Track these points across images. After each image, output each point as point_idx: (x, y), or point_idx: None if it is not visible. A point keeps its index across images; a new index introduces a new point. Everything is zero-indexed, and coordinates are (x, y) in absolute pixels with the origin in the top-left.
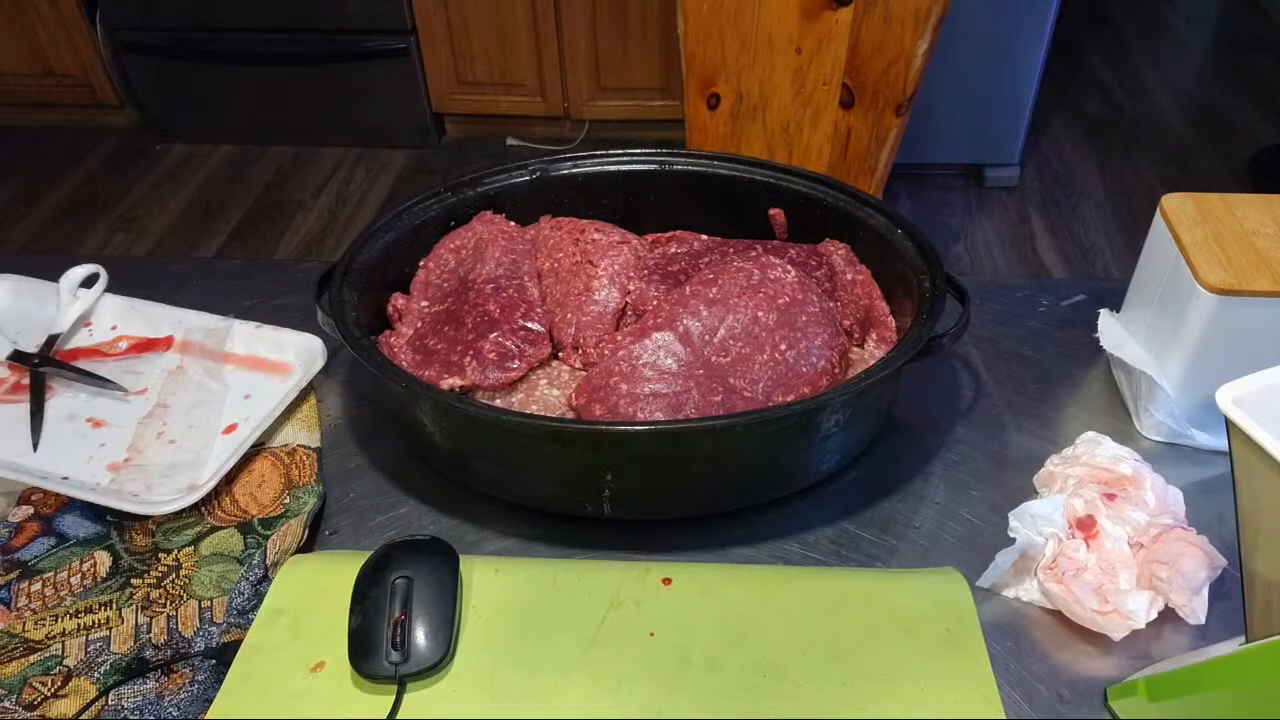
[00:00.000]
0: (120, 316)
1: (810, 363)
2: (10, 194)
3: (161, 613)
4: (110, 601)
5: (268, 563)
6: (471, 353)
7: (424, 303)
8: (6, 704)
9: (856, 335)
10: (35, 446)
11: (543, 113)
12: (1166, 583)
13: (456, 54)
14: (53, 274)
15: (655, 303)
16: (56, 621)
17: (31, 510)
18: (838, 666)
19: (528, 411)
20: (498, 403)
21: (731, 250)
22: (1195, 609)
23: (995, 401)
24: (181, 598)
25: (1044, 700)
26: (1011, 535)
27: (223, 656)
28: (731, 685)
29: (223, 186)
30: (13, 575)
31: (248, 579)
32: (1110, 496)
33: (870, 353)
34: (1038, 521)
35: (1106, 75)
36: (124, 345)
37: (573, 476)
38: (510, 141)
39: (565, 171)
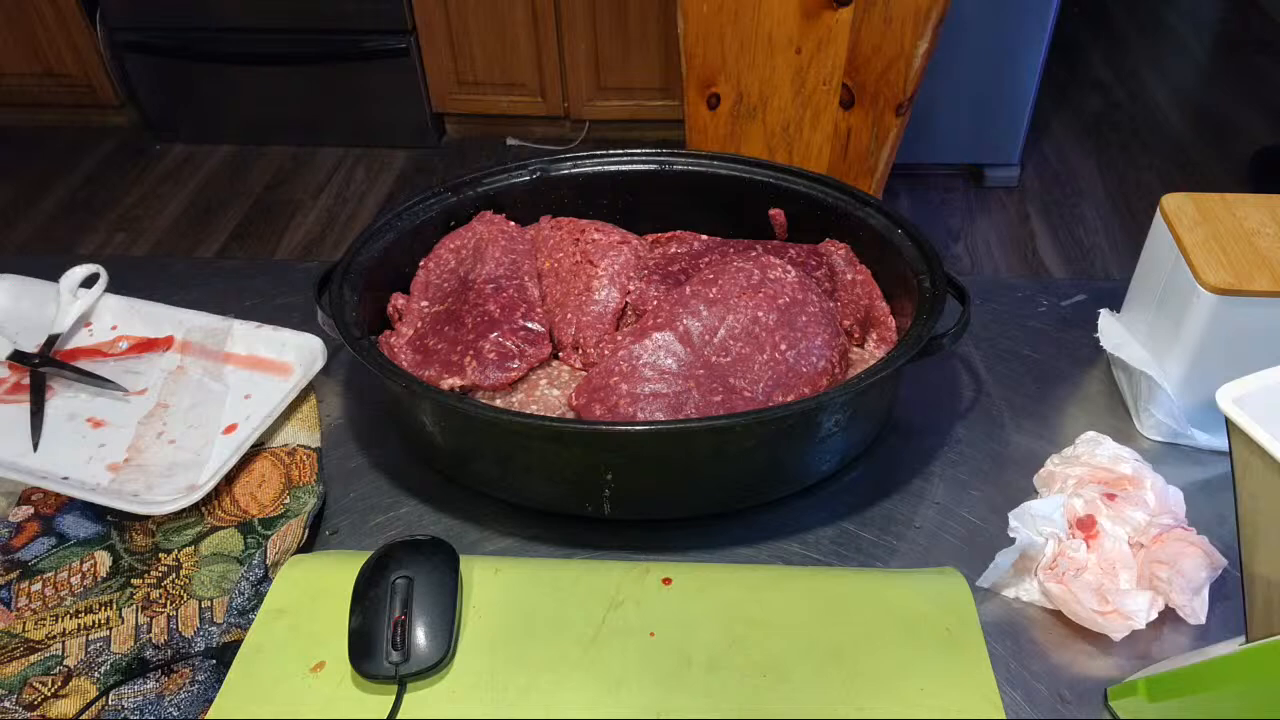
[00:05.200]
0: (120, 316)
1: (810, 363)
2: (10, 194)
3: (162, 613)
4: (110, 601)
5: (268, 563)
6: (471, 353)
7: (424, 303)
8: (6, 704)
9: (856, 335)
10: (35, 446)
11: (543, 113)
12: (1167, 583)
13: (456, 54)
14: (53, 274)
15: (655, 303)
16: (56, 621)
17: (31, 510)
18: (838, 666)
19: (528, 411)
20: (498, 403)
21: (731, 250)
22: (1195, 609)
23: (995, 401)
24: (182, 598)
25: (1044, 700)
26: (1011, 535)
27: (223, 656)
28: (731, 685)
29: (223, 186)
30: (13, 575)
31: (248, 579)
32: (1110, 496)
33: (870, 353)
34: (1038, 521)
35: (1106, 75)
36: (124, 345)
37: (573, 476)
38: (510, 141)
39: (565, 171)
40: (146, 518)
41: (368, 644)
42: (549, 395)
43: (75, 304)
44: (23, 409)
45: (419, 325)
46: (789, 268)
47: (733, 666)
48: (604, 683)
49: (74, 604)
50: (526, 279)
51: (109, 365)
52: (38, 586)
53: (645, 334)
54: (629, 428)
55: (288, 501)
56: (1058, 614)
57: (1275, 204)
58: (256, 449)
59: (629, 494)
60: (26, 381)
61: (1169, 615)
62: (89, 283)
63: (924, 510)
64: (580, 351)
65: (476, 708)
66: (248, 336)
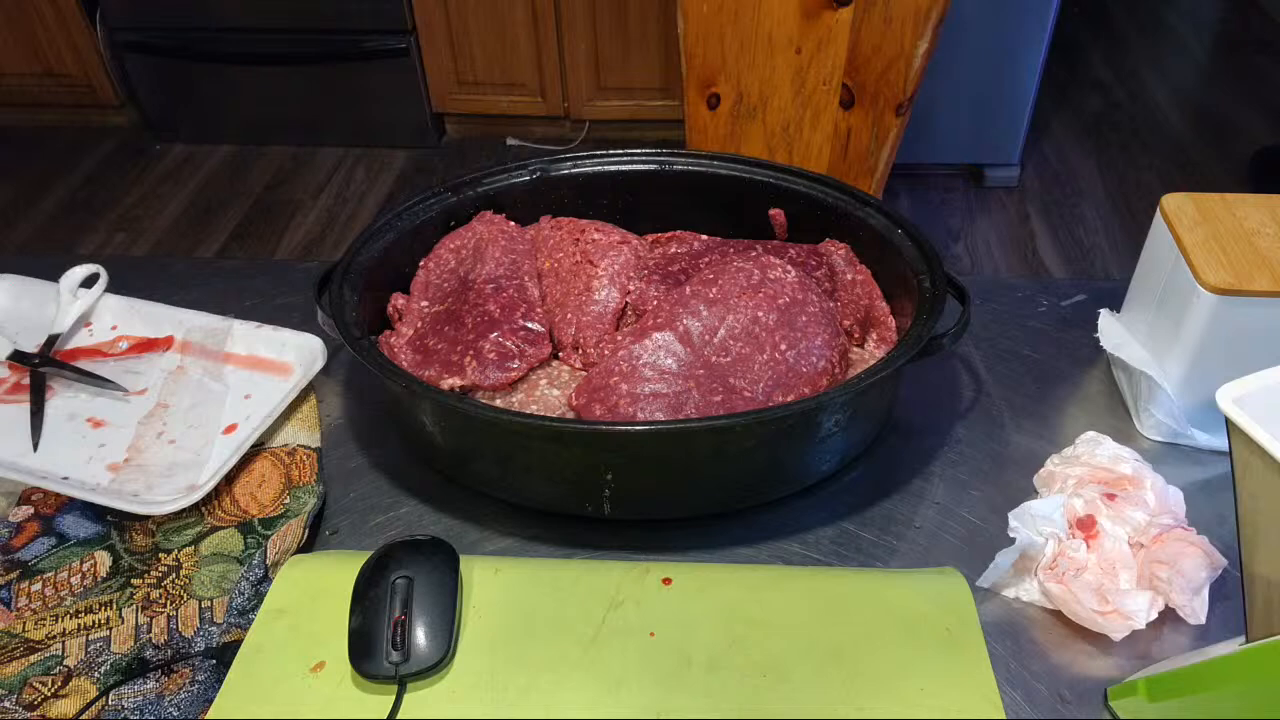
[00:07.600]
0: (120, 316)
1: (810, 363)
2: (10, 194)
3: (162, 613)
4: (110, 601)
5: (268, 563)
6: (471, 353)
7: (424, 303)
8: (6, 704)
9: (856, 335)
10: (35, 446)
11: (543, 113)
12: (1167, 583)
13: (456, 54)
14: (53, 274)
15: (655, 303)
16: (56, 621)
17: (31, 510)
18: (838, 666)
19: (528, 411)
20: (498, 403)
21: (731, 250)
22: (1195, 609)
23: (995, 401)
24: (182, 598)
25: (1044, 700)
26: (1011, 535)
27: (223, 656)
28: (731, 685)
29: (223, 186)
30: (13, 575)
31: (248, 579)
32: (1110, 496)
33: (870, 353)
34: (1038, 521)
35: (1106, 75)
36: (124, 345)
37: (573, 476)
38: (510, 141)
39: (565, 171)
40: (146, 518)
41: (368, 644)
42: (549, 395)
43: (75, 304)
44: (23, 409)
45: (419, 325)
46: (789, 268)
47: (733, 666)
48: (604, 683)
49: (74, 604)
50: (526, 279)
51: (109, 365)
52: (38, 586)
53: (645, 334)
54: (629, 428)
55: (288, 501)
56: (1058, 614)
57: (1275, 204)
58: (256, 449)
59: (629, 494)
60: (26, 381)
61: (1169, 615)
62: (89, 283)
63: (924, 510)
64: (580, 351)
65: (476, 708)
66: (248, 336)
